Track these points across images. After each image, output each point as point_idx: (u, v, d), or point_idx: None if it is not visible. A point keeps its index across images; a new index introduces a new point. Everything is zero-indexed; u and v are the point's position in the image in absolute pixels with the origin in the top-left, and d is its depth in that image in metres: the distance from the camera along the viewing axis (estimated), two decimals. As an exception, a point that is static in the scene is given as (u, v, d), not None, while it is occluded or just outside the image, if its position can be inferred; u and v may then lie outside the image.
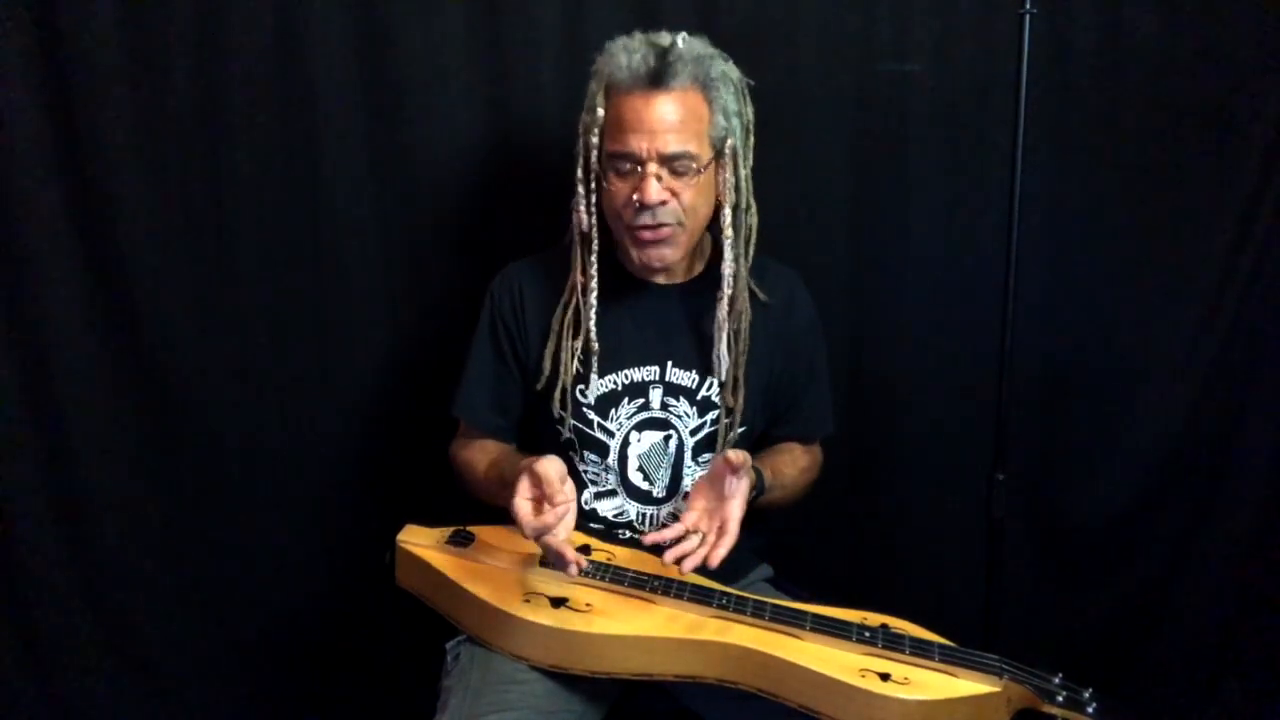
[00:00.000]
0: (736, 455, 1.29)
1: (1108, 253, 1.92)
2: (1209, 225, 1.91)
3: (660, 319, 1.48)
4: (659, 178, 1.35)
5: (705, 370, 1.47)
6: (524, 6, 1.72)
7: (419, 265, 1.79)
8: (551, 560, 1.28)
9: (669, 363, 1.48)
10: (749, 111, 1.43)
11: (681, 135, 1.35)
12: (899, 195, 1.87)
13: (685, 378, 1.47)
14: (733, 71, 1.41)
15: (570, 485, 1.24)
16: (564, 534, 1.24)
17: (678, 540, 1.29)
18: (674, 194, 1.36)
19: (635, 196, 1.35)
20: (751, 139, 1.44)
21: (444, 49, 1.72)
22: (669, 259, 1.42)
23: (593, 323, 1.44)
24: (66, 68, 1.62)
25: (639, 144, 1.34)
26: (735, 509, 1.30)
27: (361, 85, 1.71)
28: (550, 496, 1.21)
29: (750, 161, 1.44)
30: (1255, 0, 1.83)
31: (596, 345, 1.44)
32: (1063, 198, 1.87)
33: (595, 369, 1.45)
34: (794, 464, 1.55)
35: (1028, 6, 1.55)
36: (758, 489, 1.41)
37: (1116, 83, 1.86)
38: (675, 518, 1.47)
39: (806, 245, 1.83)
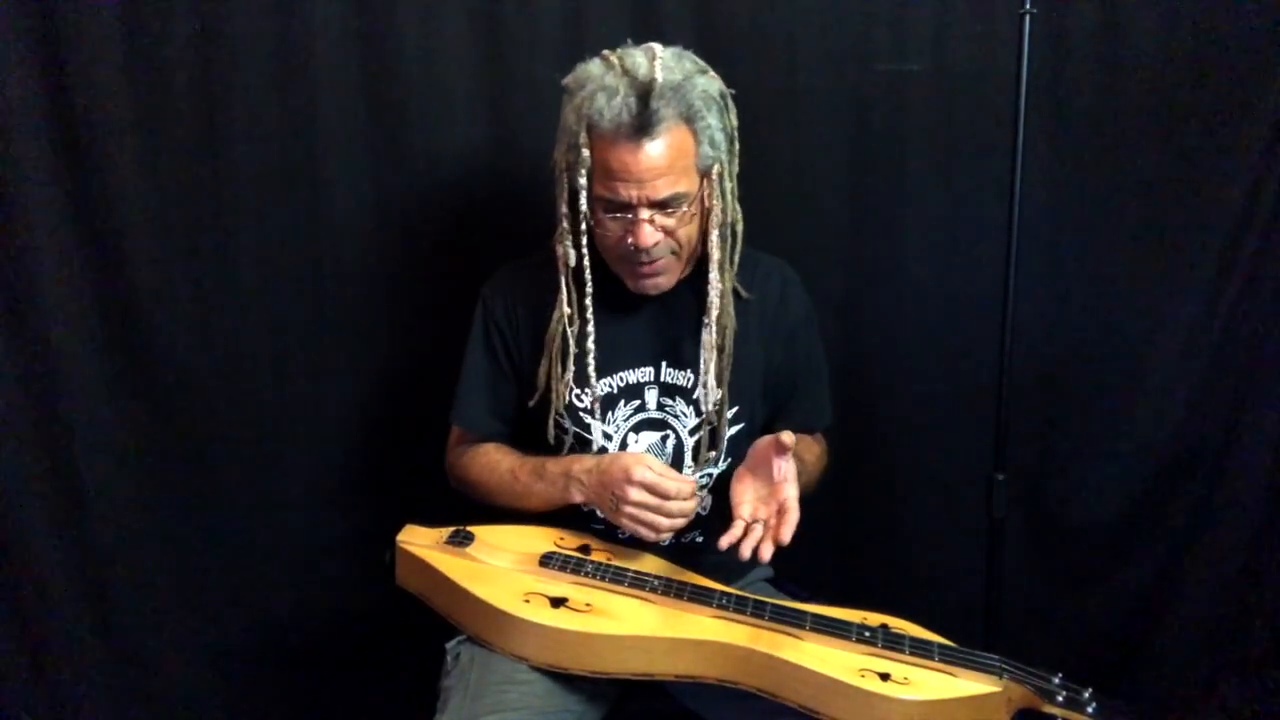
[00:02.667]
0: (789, 436, 1.29)
1: (1107, 252, 1.92)
2: (1207, 225, 1.91)
3: (653, 321, 1.48)
4: (651, 221, 1.34)
5: (699, 370, 1.46)
6: (524, 7, 1.72)
7: (419, 266, 1.79)
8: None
9: (663, 363, 1.47)
10: (732, 120, 1.40)
11: (670, 177, 1.32)
12: (898, 195, 1.87)
13: (680, 377, 1.47)
14: (713, 86, 1.37)
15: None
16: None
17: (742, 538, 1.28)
18: (668, 232, 1.36)
19: (629, 241, 1.35)
20: (736, 146, 1.41)
21: (445, 50, 1.72)
22: (665, 286, 1.42)
23: (590, 359, 1.43)
24: (67, 68, 1.62)
25: (629, 192, 1.32)
26: (791, 490, 1.29)
27: (362, 87, 1.71)
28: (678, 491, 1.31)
29: (736, 168, 1.42)
30: (1255, 0, 1.83)
31: (596, 384, 1.44)
32: (1063, 198, 1.87)
33: (593, 376, 1.44)
34: (810, 449, 1.54)
35: (1028, 6, 1.55)
36: None
37: (1116, 83, 1.86)
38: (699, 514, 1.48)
39: (806, 245, 1.83)
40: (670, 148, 1.32)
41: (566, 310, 1.42)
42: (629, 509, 1.31)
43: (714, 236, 1.40)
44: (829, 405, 1.61)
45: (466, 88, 1.74)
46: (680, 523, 1.33)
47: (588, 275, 1.41)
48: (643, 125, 1.30)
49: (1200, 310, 1.94)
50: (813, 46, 1.80)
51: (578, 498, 1.39)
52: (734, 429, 1.48)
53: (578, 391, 1.46)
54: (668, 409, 1.47)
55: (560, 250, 1.40)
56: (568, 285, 1.42)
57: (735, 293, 1.47)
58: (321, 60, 1.69)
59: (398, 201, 1.76)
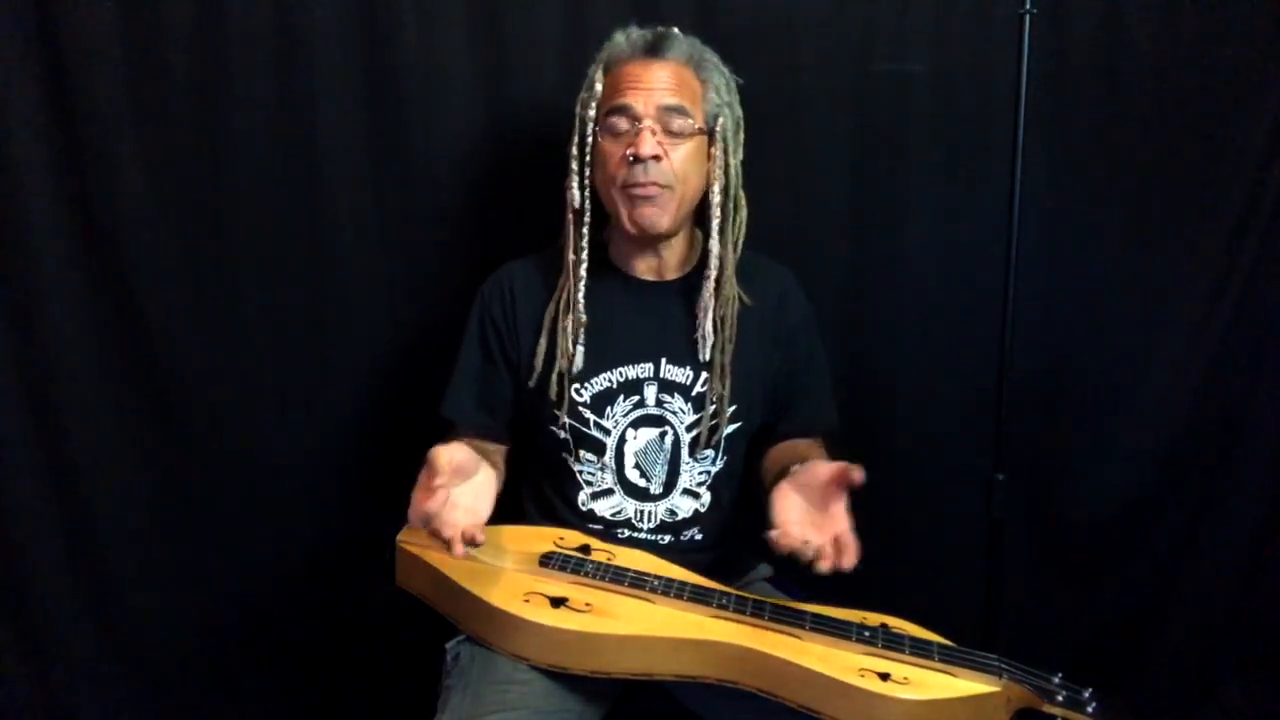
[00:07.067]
0: (859, 474, 1.24)
1: (1107, 253, 1.92)
2: (1208, 224, 1.91)
3: (653, 316, 1.49)
4: (653, 132, 1.38)
5: (699, 367, 1.48)
6: (524, 6, 1.72)
7: (419, 265, 1.79)
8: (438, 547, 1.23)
9: (663, 359, 1.48)
10: (739, 108, 1.47)
11: (677, 94, 1.40)
12: (898, 195, 1.87)
13: (679, 374, 1.48)
14: (723, 67, 1.46)
15: (456, 466, 1.19)
16: (458, 519, 1.20)
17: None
18: (666, 154, 1.39)
19: (629, 151, 1.38)
20: (742, 135, 1.47)
21: (444, 47, 1.72)
22: (660, 221, 1.42)
23: (580, 295, 1.45)
24: (67, 67, 1.62)
25: (635, 99, 1.39)
26: (845, 524, 1.25)
27: (361, 84, 1.72)
28: (427, 483, 1.16)
29: (740, 155, 1.47)
30: (1255, 0, 1.83)
31: (585, 318, 1.45)
32: (1063, 198, 1.87)
33: (581, 351, 1.45)
34: (814, 456, 1.53)
35: (1028, 6, 1.55)
36: None
37: (1116, 83, 1.86)
38: (673, 513, 1.49)
39: (806, 245, 1.83)
40: (677, 73, 1.42)
41: (572, 257, 1.45)
42: None
43: (715, 197, 1.44)
44: (833, 407, 1.61)
45: (466, 85, 1.74)
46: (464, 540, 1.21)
47: (587, 217, 1.45)
48: (654, 47, 1.43)
49: (1201, 310, 1.94)
50: (813, 46, 1.80)
51: None
52: (731, 428, 1.49)
53: (575, 385, 1.46)
54: (666, 405, 1.48)
55: (568, 196, 1.44)
56: (575, 236, 1.45)
57: (740, 297, 1.49)
58: (321, 59, 1.69)
59: (397, 199, 1.76)
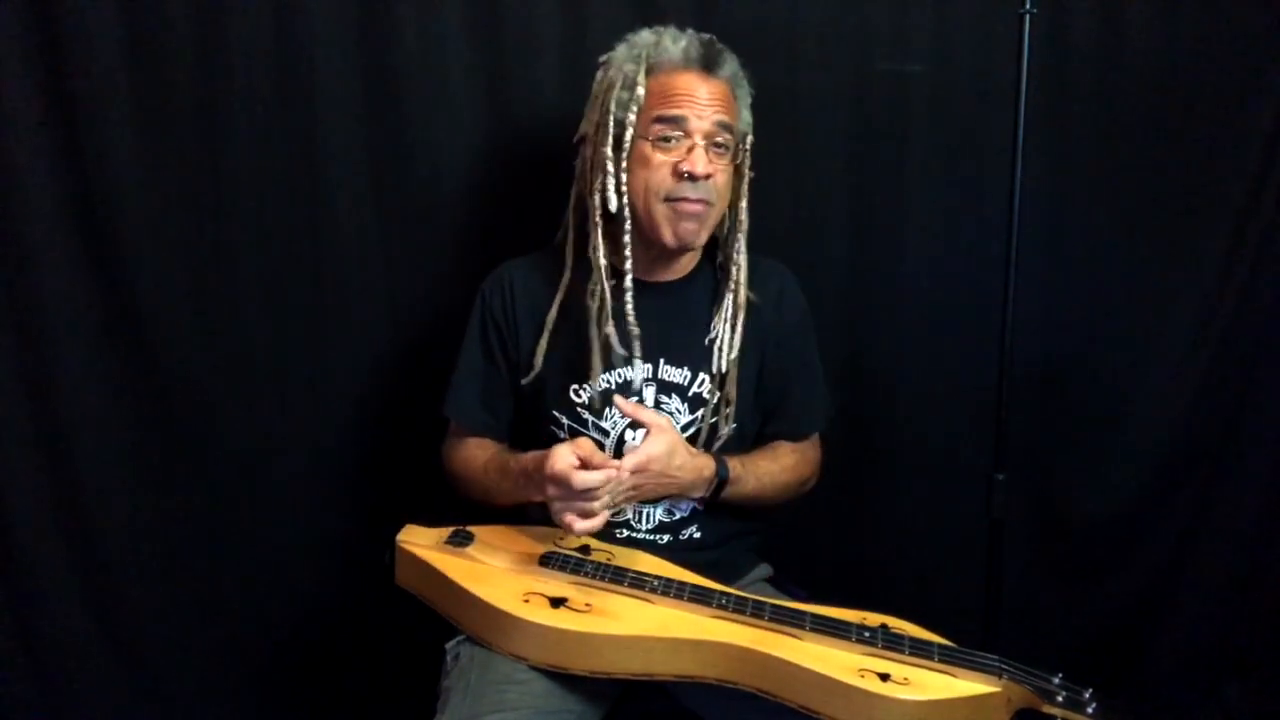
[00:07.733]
0: (626, 404, 1.38)
1: (1107, 253, 1.92)
2: (1208, 224, 1.91)
3: (652, 317, 1.48)
4: (706, 150, 1.40)
5: (696, 367, 1.48)
6: (524, 6, 1.72)
7: (419, 265, 1.79)
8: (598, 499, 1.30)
9: (661, 360, 1.48)
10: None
11: (726, 112, 1.42)
12: (898, 195, 1.87)
13: (677, 375, 1.48)
14: (749, 85, 1.48)
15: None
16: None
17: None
18: (716, 172, 1.41)
19: (683, 167, 1.39)
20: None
21: (444, 49, 1.72)
22: (701, 236, 1.44)
23: (629, 305, 1.43)
24: (67, 68, 1.62)
25: (690, 113, 1.39)
26: (624, 460, 1.32)
27: (361, 85, 1.72)
28: (601, 464, 1.29)
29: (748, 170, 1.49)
30: (1255, 0, 1.83)
31: (637, 330, 1.44)
32: (1063, 198, 1.87)
33: (638, 353, 1.45)
34: (775, 460, 1.54)
35: (1028, 6, 1.55)
36: (720, 477, 1.43)
37: (1116, 83, 1.86)
38: (671, 513, 1.49)
39: (806, 244, 1.84)
40: (723, 91, 1.43)
41: (606, 262, 1.44)
42: (553, 504, 1.31)
43: (742, 215, 1.47)
44: (821, 410, 1.61)
45: (466, 86, 1.74)
46: (600, 518, 1.31)
47: (627, 214, 1.42)
48: (709, 60, 1.42)
49: (1201, 310, 1.94)
50: (813, 46, 1.80)
51: (536, 495, 1.37)
52: (726, 429, 1.49)
53: (575, 386, 1.46)
54: (664, 406, 1.48)
55: (597, 199, 1.43)
56: (612, 241, 1.44)
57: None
58: (321, 60, 1.69)
59: (397, 200, 1.76)
